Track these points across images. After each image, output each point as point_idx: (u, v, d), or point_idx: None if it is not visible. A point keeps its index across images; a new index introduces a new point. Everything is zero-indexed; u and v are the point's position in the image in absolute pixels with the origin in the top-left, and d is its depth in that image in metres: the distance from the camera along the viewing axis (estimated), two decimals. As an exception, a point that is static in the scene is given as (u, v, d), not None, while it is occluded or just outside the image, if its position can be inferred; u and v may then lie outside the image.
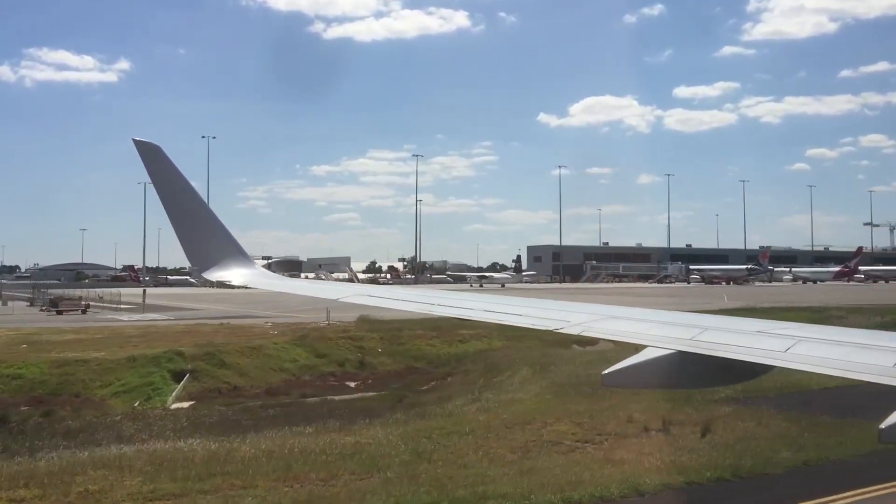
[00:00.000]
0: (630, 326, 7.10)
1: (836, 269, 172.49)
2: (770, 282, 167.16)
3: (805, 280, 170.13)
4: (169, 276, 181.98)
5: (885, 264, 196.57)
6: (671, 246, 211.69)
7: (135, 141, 10.16)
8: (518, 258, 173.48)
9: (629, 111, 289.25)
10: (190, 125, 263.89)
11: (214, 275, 10.87)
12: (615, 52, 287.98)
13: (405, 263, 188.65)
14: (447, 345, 43.70)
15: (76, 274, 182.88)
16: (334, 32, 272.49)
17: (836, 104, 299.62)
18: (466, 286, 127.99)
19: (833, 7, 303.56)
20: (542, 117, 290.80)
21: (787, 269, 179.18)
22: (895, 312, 54.30)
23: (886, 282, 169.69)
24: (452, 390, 32.50)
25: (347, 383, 37.33)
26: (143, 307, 71.95)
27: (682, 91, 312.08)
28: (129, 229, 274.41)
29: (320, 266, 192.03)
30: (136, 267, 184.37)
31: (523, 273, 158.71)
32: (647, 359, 6.23)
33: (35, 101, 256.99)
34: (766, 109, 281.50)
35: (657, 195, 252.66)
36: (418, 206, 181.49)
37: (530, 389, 28.72)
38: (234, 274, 10.83)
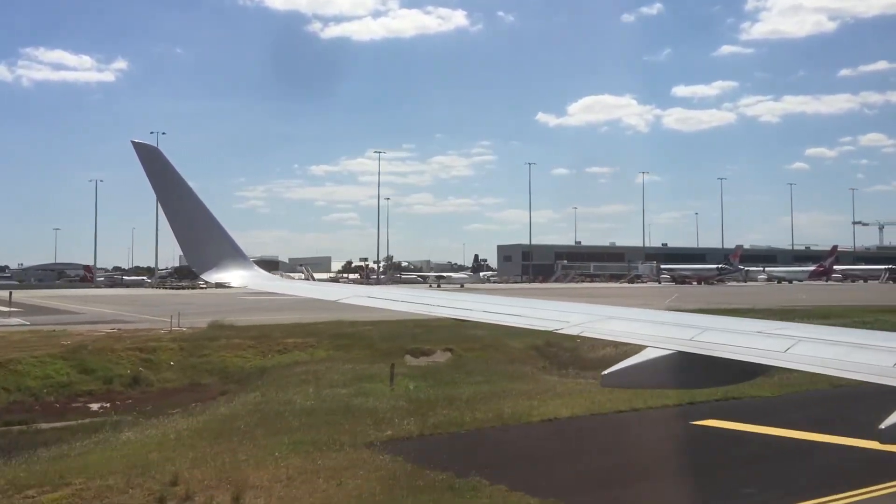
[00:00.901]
0: (629, 327, 6.97)
1: (812, 268, 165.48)
2: (745, 281, 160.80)
3: (780, 280, 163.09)
4: (125, 277, 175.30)
5: (867, 263, 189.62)
6: (647, 245, 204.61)
7: (133, 143, 10.11)
8: (476, 257, 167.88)
9: (628, 110, 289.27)
10: (188, 125, 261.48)
11: (213, 276, 10.81)
12: (614, 51, 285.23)
13: (366, 263, 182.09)
14: (260, 356, 36.42)
15: (57, 274, 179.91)
16: (332, 32, 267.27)
17: (836, 103, 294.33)
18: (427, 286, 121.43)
19: (832, 6, 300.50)
20: (541, 117, 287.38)
21: (761, 269, 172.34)
22: (818, 315, 47.24)
23: (865, 281, 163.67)
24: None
25: (91, 405, 30.06)
26: (9, 311, 64.72)
27: (680, 90, 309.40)
28: (125, 228, 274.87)
29: (300, 266, 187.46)
30: (90, 266, 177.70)
31: (482, 273, 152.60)
32: (646, 359, 6.11)
33: (33, 101, 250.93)
34: (765, 108, 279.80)
35: (657, 194, 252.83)
36: (381, 204, 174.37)
37: (186, 424, 21.83)
38: (232, 275, 10.79)
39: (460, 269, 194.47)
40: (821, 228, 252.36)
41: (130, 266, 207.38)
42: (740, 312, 50.19)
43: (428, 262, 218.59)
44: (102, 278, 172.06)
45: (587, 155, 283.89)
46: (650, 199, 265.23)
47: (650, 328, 6.78)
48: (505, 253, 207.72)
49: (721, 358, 5.83)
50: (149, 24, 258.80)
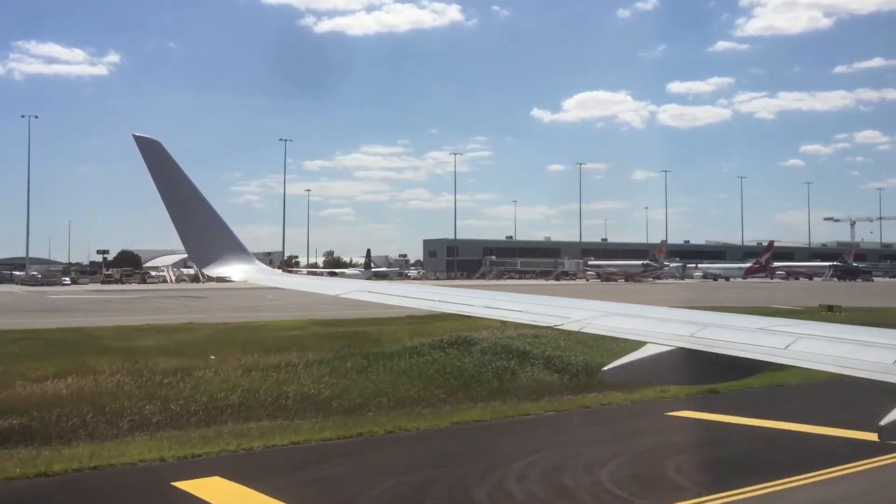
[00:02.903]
0: (630, 323, 6.99)
1: (747, 265, 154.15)
2: (682, 278, 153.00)
3: (716, 277, 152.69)
4: (14, 273, 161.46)
5: (823, 260, 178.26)
6: (583, 240, 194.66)
7: (135, 136, 10.09)
8: (368, 252, 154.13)
9: (623, 106, 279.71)
10: (181, 119, 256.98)
11: (215, 270, 10.82)
12: (609, 46, 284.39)
13: (271, 259, 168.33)
14: None
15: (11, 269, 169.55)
16: (325, 26, 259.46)
17: (831, 100, 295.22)
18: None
19: (826, 2, 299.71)
20: (536, 112, 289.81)
21: (694, 265, 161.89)
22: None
23: (811, 278, 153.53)
24: None
25: None
26: None
27: (676, 86, 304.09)
28: (116, 221, 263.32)
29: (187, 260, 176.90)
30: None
31: (374, 269, 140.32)
32: (647, 355, 6.15)
33: (25, 95, 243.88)
34: (761, 105, 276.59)
35: (652, 191, 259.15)
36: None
37: None
38: (234, 270, 10.79)
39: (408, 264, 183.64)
40: (817, 226, 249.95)
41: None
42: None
43: (386, 257, 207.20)
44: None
45: (582, 151, 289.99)
46: (647, 195, 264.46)
47: (651, 324, 6.80)
48: (430, 248, 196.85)
49: (722, 354, 5.82)
50: (141, 17, 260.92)
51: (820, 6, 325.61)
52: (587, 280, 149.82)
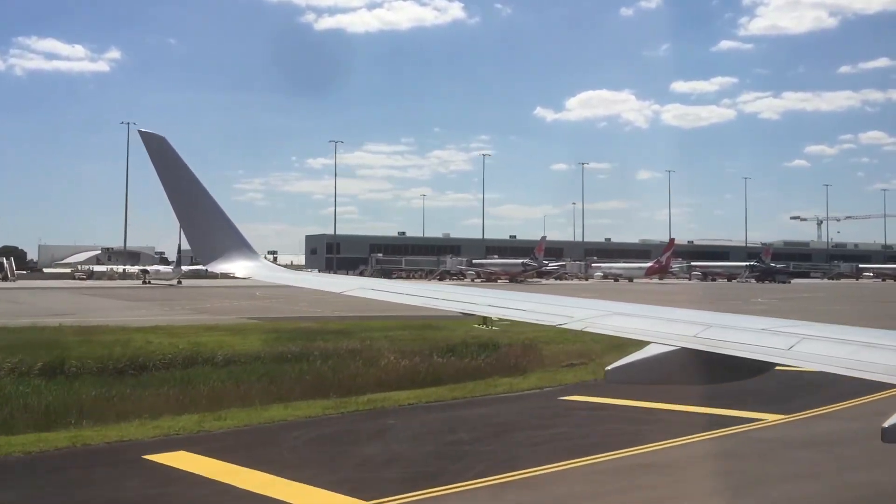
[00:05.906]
0: (634, 323, 7.09)
1: (647, 264, 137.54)
2: (587, 278, 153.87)
3: (617, 277, 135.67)
4: None
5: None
6: (488, 237, 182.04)
7: (140, 132, 10.40)
8: (179, 247, 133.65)
9: (626, 105, 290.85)
10: (183, 116, 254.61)
11: (219, 267, 11.05)
12: (612, 45, 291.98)
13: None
14: None
15: None
16: (326, 23, 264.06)
17: (836, 100, 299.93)
18: None
19: (831, 2, 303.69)
20: (539, 111, 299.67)
21: (589, 264, 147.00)
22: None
23: (729, 280, 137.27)
24: None
25: None
26: None
27: (679, 86, 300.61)
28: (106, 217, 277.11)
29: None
30: None
31: (184, 267, 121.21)
32: (650, 355, 6.22)
33: (25, 91, 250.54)
34: (765, 105, 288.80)
35: (657, 191, 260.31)
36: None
37: None
38: (238, 266, 10.95)
39: None
40: (785, 225, 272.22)
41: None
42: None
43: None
44: None
45: (585, 150, 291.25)
46: (650, 195, 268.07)
47: (654, 324, 6.89)
48: (311, 245, 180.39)
49: (725, 355, 5.87)
50: (142, 14, 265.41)
51: (824, 6, 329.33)
52: (472, 281, 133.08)
